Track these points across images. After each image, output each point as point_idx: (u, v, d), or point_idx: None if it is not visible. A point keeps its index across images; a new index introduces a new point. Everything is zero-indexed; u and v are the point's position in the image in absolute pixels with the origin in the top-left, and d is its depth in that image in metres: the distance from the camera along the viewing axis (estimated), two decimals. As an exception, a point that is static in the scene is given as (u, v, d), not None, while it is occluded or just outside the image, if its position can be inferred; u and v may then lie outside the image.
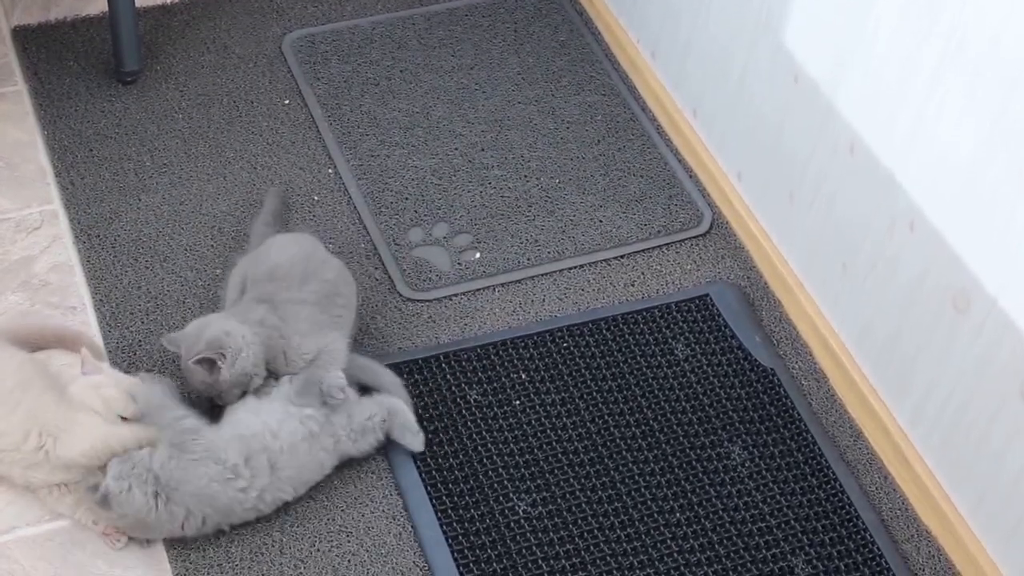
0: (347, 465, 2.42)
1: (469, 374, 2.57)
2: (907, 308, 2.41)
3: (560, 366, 2.60)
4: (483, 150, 2.97)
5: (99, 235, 2.75)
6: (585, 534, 2.37)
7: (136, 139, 2.94)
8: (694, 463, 2.47)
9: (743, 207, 2.84)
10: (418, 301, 2.69)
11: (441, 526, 2.35)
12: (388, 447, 2.44)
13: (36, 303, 2.64)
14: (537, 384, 2.57)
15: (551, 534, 2.36)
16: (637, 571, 2.33)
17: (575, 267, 2.78)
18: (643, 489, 2.43)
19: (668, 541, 2.37)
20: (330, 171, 2.91)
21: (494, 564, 2.32)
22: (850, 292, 2.57)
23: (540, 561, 2.33)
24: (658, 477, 2.45)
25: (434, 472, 2.42)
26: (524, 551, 2.34)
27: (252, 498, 2.28)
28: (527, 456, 2.46)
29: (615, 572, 2.32)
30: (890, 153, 2.39)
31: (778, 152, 2.71)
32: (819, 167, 2.59)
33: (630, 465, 2.46)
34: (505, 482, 2.42)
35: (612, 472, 2.45)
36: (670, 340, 2.65)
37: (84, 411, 2.28)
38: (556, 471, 2.44)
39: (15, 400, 2.28)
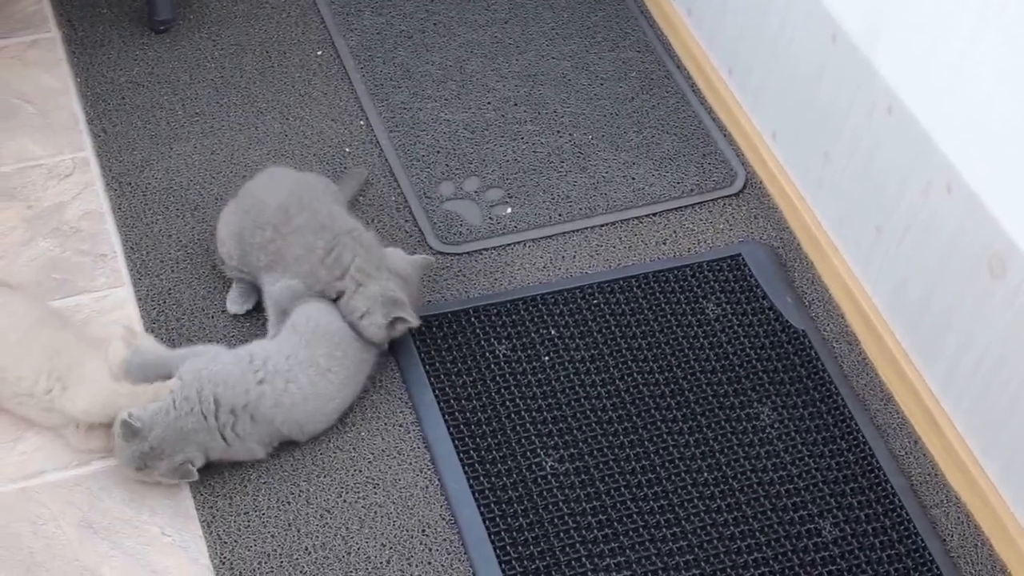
0: (375, 418, 2.42)
1: (498, 329, 2.56)
2: (941, 271, 2.39)
3: (590, 323, 2.59)
4: (516, 105, 2.96)
5: (130, 183, 2.75)
6: (612, 492, 2.36)
7: (168, 88, 2.93)
8: (723, 423, 2.46)
9: (777, 167, 2.82)
10: (448, 255, 2.68)
11: (468, 480, 2.35)
12: (417, 402, 2.44)
13: (67, 250, 2.64)
14: (566, 340, 2.56)
15: (578, 491, 2.36)
16: (664, 529, 2.32)
17: (607, 224, 2.76)
18: (671, 448, 2.42)
19: (695, 500, 2.36)
20: (361, 123, 2.90)
21: (520, 519, 2.32)
22: (884, 254, 2.55)
23: (566, 517, 2.32)
24: (686, 436, 2.44)
25: (462, 426, 2.42)
26: (550, 507, 2.33)
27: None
28: (555, 412, 2.45)
29: (641, 530, 2.32)
30: (928, 113, 2.36)
31: (813, 112, 2.69)
32: (855, 127, 2.56)
33: (658, 424, 2.45)
34: (532, 438, 2.42)
35: (640, 430, 2.44)
36: (701, 299, 2.64)
37: (97, 358, 2.29)
38: (584, 428, 2.44)
39: (29, 342, 2.29)
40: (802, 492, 2.38)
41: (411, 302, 2.43)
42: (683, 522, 2.33)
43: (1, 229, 2.66)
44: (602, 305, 2.62)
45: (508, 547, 2.28)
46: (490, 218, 2.75)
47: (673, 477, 2.39)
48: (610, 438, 2.42)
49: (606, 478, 2.38)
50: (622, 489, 2.36)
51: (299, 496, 2.32)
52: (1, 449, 2.35)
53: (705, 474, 2.39)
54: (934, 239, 2.40)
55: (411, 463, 2.38)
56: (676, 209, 2.80)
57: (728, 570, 2.28)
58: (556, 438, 2.42)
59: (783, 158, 2.82)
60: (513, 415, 2.44)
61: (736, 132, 2.93)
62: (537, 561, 2.27)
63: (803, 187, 2.77)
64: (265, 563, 2.24)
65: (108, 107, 2.88)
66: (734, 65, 2.93)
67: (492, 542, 2.28)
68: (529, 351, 2.54)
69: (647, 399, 2.48)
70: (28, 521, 2.28)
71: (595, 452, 2.41)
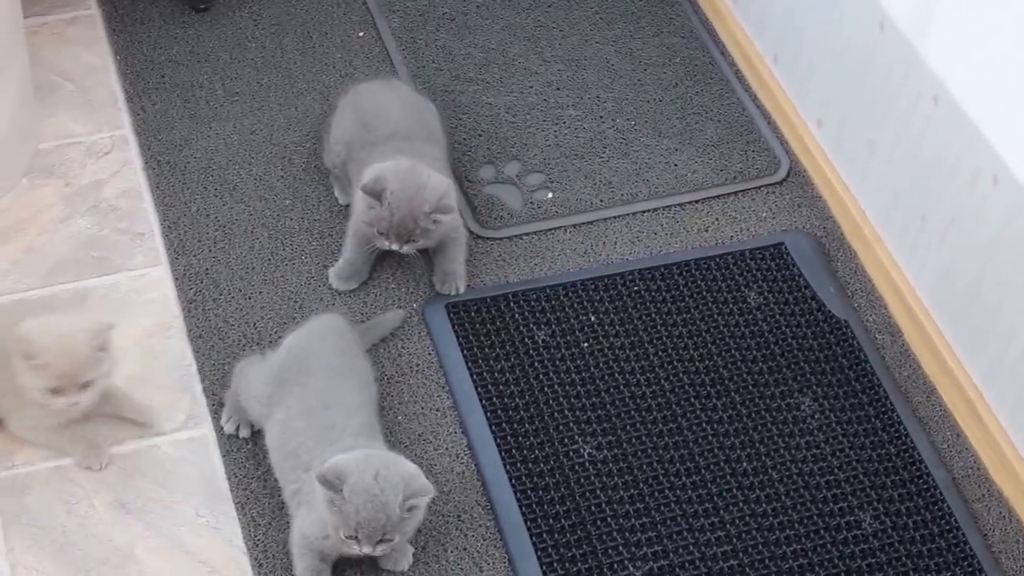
0: (412, 402, 2.41)
1: (537, 314, 2.54)
2: (987, 264, 2.36)
3: (630, 310, 2.56)
4: (558, 89, 2.93)
5: (169, 162, 2.74)
6: (650, 480, 2.34)
7: (208, 67, 2.92)
8: (763, 413, 2.43)
9: (821, 155, 2.79)
10: (488, 239, 2.66)
11: (505, 466, 2.33)
12: (454, 387, 2.42)
13: (104, 228, 2.63)
14: (606, 327, 2.53)
15: (615, 479, 2.33)
16: (702, 519, 2.30)
17: (648, 210, 2.74)
18: (710, 437, 2.40)
19: (734, 490, 2.33)
20: (402, 105, 2.88)
21: (556, 506, 2.30)
22: (928, 245, 2.52)
23: (603, 505, 2.30)
24: (726, 426, 2.41)
25: (499, 412, 2.40)
26: (587, 494, 2.31)
27: None
28: (593, 399, 2.43)
29: (679, 519, 2.29)
30: (976, 104, 2.33)
31: (859, 100, 2.65)
32: (901, 116, 2.53)
33: (698, 412, 2.43)
34: (570, 424, 2.39)
35: (679, 419, 2.42)
36: (743, 288, 2.61)
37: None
38: (622, 415, 2.41)
39: None
40: (842, 484, 2.35)
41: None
42: (721, 512, 2.31)
43: (39, 206, 2.66)
44: (643, 292, 2.59)
45: (544, 534, 2.26)
46: (531, 203, 2.72)
47: (712, 467, 2.36)
48: (648, 426, 2.40)
49: (644, 466, 2.35)
50: (660, 478, 2.34)
51: (334, 479, 2.31)
52: (36, 427, 2.35)
53: (744, 464, 2.37)
54: (980, 230, 2.36)
55: (448, 448, 2.36)
56: (719, 197, 2.77)
57: (766, 561, 2.26)
58: (594, 425, 2.39)
59: (828, 147, 2.79)
60: (551, 401, 2.42)
61: (781, 120, 2.90)
62: (573, 549, 2.25)
63: (847, 176, 2.74)
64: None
65: (147, 85, 2.87)
66: (780, 52, 2.90)
67: (528, 528, 2.27)
68: (568, 337, 2.51)
69: (687, 387, 2.46)
70: (61, 500, 2.27)
71: (633, 440, 2.38)
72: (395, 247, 2.46)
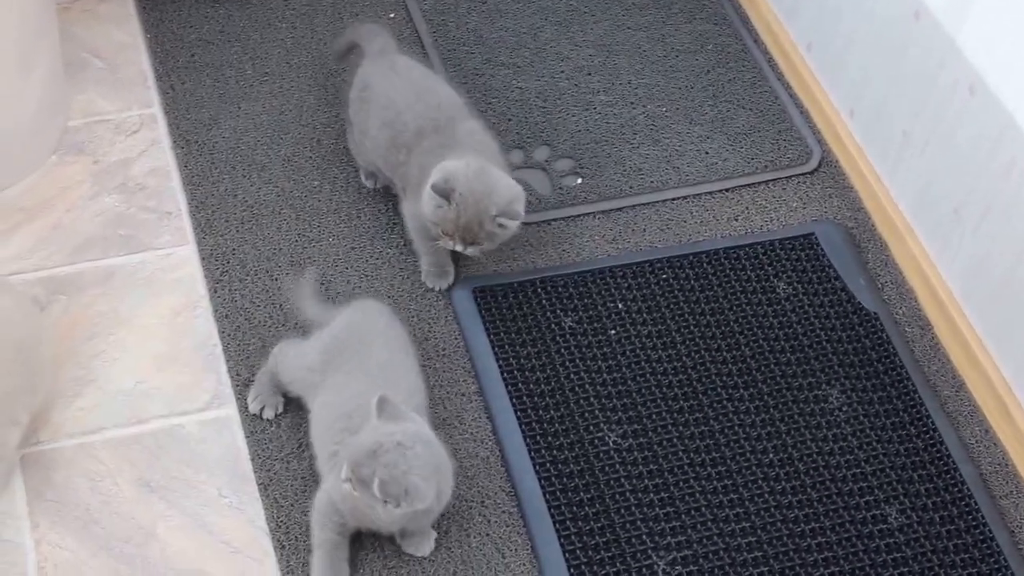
0: (437, 386, 2.40)
1: (565, 301, 2.53)
2: (1020, 257, 2.34)
3: (658, 298, 2.55)
4: (589, 74, 2.91)
5: (197, 141, 2.73)
6: (675, 469, 2.32)
7: (238, 46, 2.91)
8: (790, 404, 2.42)
9: (854, 146, 2.77)
10: (516, 224, 2.65)
11: (529, 452, 2.32)
12: (480, 372, 2.41)
13: (132, 206, 2.63)
14: (634, 315, 2.52)
15: (640, 467, 2.32)
16: (727, 509, 2.28)
17: (678, 198, 2.72)
18: (736, 427, 2.38)
19: (759, 482, 2.32)
20: (433, 88, 2.87)
21: (580, 493, 2.28)
22: (961, 238, 2.49)
23: (628, 494, 2.29)
24: (752, 416, 2.40)
25: (525, 398, 2.39)
26: (612, 482, 2.30)
27: None
28: (620, 387, 2.42)
29: (703, 510, 2.28)
30: (1012, 95, 2.31)
31: (893, 90, 2.63)
32: (936, 107, 2.51)
33: (724, 402, 2.41)
34: (596, 412, 2.38)
35: (706, 408, 2.40)
36: (772, 278, 2.59)
37: None
38: (649, 404, 2.40)
39: None
40: (869, 477, 2.34)
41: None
42: (746, 503, 2.29)
43: (68, 183, 2.65)
44: (671, 280, 2.57)
45: (568, 521, 2.25)
46: (560, 188, 2.71)
47: (738, 457, 2.35)
48: (675, 415, 2.39)
49: (669, 456, 2.34)
50: (685, 467, 2.33)
51: (358, 462, 2.30)
52: (60, 404, 2.35)
53: (770, 455, 2.35)
54: (1013, 223, 2.34)
55: (473, 433, 2.35)
56: (749, 185, 2.75)
57: (791, 553, 2.24)
58: (620, 413, 2.38)
59: (860, 137, 2.77)
60: (577, 388, 2.41)
61: (813, 109, 2.87)
62: (596, 537, 2.24)
63: (880, 167, 2.71)
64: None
65: (177, 64, 2.86)
66: (813, 40, 2.88)
67: (552, 515, 2.25)
68: (595, 324, 2.50)
69: (714, 377, 2.44)
70: (85, 477, 2.27)
71: (659, 429, 2.37)
72: (459, 248, 2.43)
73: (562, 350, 2.46)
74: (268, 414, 2.34)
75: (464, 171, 2.40)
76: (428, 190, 2.40)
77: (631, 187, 2.72)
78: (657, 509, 2.28)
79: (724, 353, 2.48)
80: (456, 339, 2.47)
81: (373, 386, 2.17)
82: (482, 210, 2.39)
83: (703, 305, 2.54)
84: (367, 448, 2.04)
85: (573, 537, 2.24)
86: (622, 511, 2.27)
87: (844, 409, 2.42)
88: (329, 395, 2.23)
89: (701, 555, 2.23)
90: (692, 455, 2.34)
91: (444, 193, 2.38)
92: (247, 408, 2.35)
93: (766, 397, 2.42)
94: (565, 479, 2.30)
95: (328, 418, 2.21)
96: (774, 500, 2.30)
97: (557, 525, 2.25)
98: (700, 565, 2.22)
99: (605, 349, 2.47)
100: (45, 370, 2.29)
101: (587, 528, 2.25)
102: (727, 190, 2.74)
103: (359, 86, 2.63)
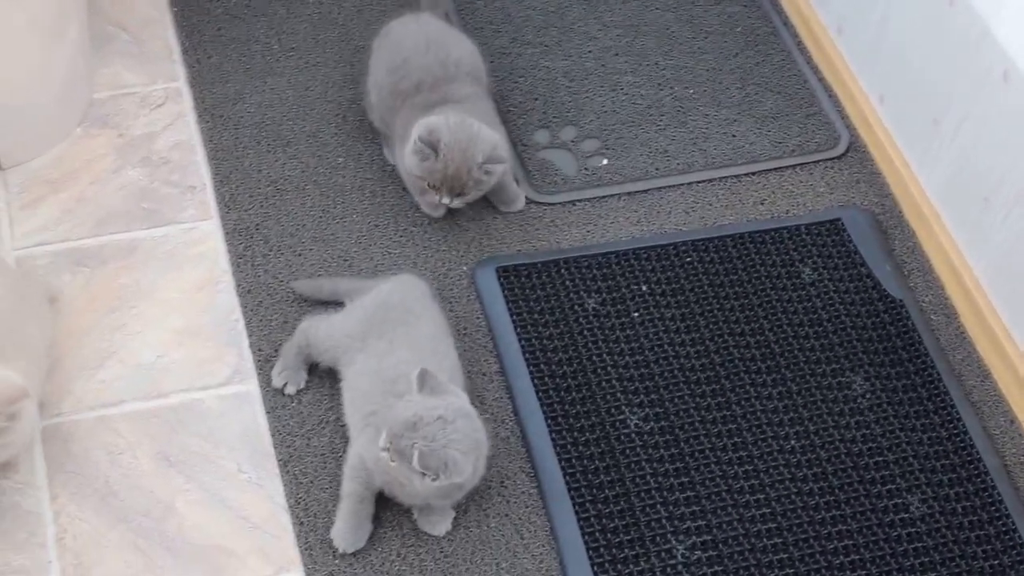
0: (458, 365, 2.39)
1: (588, 282, 2.51)
2: (1050, 247, 2.32)
3: (682, 280, 2.53)
4: (617, 55, 2.89)
5: (222, 115, 2.72)
6: (696, 454, 2.31)
7: (265, 21, 2.90)
8: (813, 390, 2.40)
9: (883, 131, 2.74)
10: (541, 204, 2.64)
11: (550, 433, 2.31)
12: (502, 352, 2.40)
13: (156, 180, 2.62)
14: (657, 297, 2.50)
15: (661, 451, 2.31)
16: (747, 495, 2.27)
17: (704, 181, 2.70)
18: (758, 412, 2.37)
19: (780, 467, 2.30)
20: (459, 66, 2.85)
21: (600, 475, 2.27)
22: (989, 227, 2.47)
23: (648, 477, 2.28)
24: (775, 401, 2.38)
25: (546, 378, 2.38)
26: (632, 465, 2.29)
27: None
28: (642, 370, 2.40)
29: (724, 495, 2.27)
30: (1046, 83, 2.29)
31: (925, 76, 2.61)
32: (968, 94, 2.48)
33: (747, 387, 2.40)
34: (618, 394, 2.37)
35: (728, 392, 2.39)
36: (797, 263, 2.58)
37: None
38: (671, 387, 2.38)
39: None
40: (891, 466, 2.32)
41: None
42: (767, 489, 2.28)
43: (92, 156, 2.65)
44: (695, 263, 2.56)
45: (587, 503, 2.24)
46: (585, 169, 2.69)
47: (759, 442, 2.33)
48: (697, 399, 2.37)
49: (691, 439, 2.33)
50: (706, 452, 2.31)
51: (378, 440, 2.29)
52: (81, 376, 2.34)
53: (792, 441, 2.34)
54: (1044, 213, 2.33)
55: (493, 413, 2.34)
56: (776, 169, 2.73)
57: (811, 540, 2.23)
58: (642, 396, 2.37)
59: (889, 123, 2.74)
60: (599, 370, 2.40)
61: (842, 93, 2.85)
62: (616, 520, 2.23)
63: (909, 153, 2.69)
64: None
65: (203, 38, 2.85)
66: (843, 24, 2.85)
67: (571, 497, 2.25)
68: (619, 306, 2.49)
69: (736, 361, 2.43)
70: (105, 450, 2.27)
71: (681, 412, 2.36)
72: (446, 200, 2.48)
73: (584, 331, 2.44)
74: (290, 390, 2.33)
75: (445, 123, 2.45)
76: (413, 143, 2.45)
77: (657, 169, 2.70)
78: (677, 493, 2.26)
79: (748, 338, 2.46)
80: (478, 318, 2.46)
81: (419, 357, 2.18)
82: (469, 158, 2.44)
83: (727, 289, 2.53)
84: (407, 420, 2.05)
85: (592, 519, 2.23)
86: (642, 494, 2.26)
87: (867, 396, 2.40)
88: (371, 361, 2.23)
89: (720, 540, 2.22)
90: (713, 439, 2.33)
91: (431, 144, 2.43)
92: (268, 384, 2.35)
93: (789, 383, 2.41)
94: (585, 461, 2.29)
95: (367, 383, 2.22)
96: (795, 487, 2.28)
97: (576, 507, 2.24)
98: (719, 550, 2.21)
99: (628, 331, 2.45)
100: (39, 354, 2.27)
101: (606, 511, 2.24)
102: (753, 174, 2.72)
103: (382, 33, 2.68)
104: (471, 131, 2.45)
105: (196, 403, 2.33)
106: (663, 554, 2.20)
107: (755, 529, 2.24)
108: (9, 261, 2.47)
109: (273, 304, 2.45)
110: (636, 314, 2.48)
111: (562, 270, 2.52)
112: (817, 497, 2.27)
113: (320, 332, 2.32)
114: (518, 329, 2.44)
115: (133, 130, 2.70)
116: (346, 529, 2.17)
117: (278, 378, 2.34)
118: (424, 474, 2.03)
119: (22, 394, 2.09)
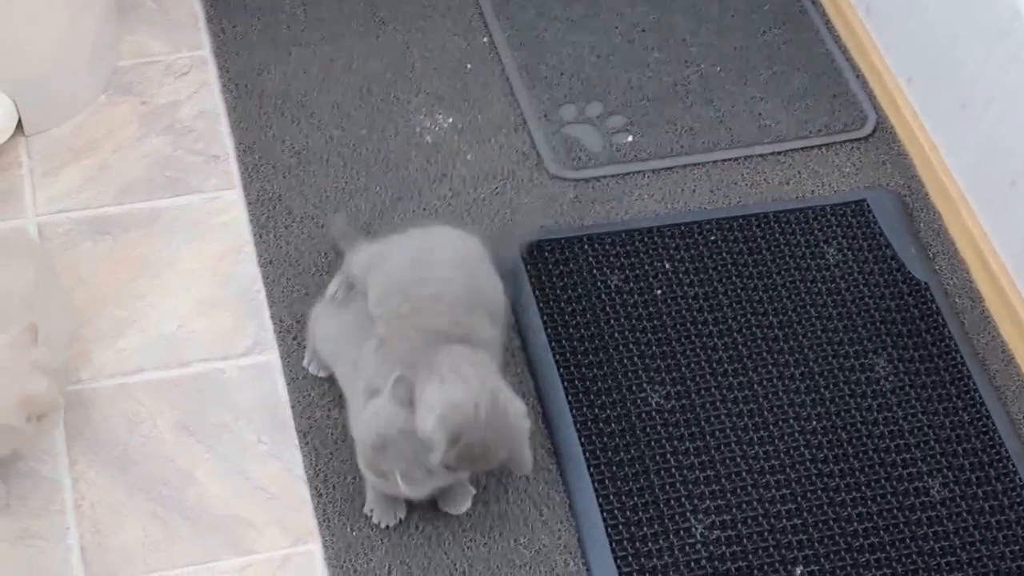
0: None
1: (612, 259, 2.50)
2: (1077, 231, 2.30)
3: (706, 259, 2.52)
4: (644, 31, 2.88)
5: (247, 85, 2.71)
6: (716, 433, 2.30)
7: (291, -9, 2.89)
8: (835, 372, 2.39)
9: (910, 113, 2.73)
10: (565, 179, 2.62)
11: (571, 409, 2.30)
12: (524, 328, 2.39)
13: (179, 149, 2.61)
14: (680, 276, 2.49)
15: (682, 429, 2.30)
16: (768, 476, 2.26)
17: (729, 159, 2.69)
18: (780, 392, 2.36)
19: (801, 448, 2.30)
20: (485, 40, 2.84)
21: (621, 453, 2.27)
22: (1016, 210, 2.46)
23: (668, 455, 2.27)
24: (797, 382, 2.37)
25: (568, 355, 2.37)
26: (653, 443, 2.28)
27: None
28: (664, 348, 2.39)
29: (744, 475, 2.26)
30: (1077, 66, 2.27)
31: (953, 57, 2.59)
32: (996, 75, 2.47)
33: (769, 367, 2.39)
34: (640, 372, 2.36)
35: (750, 372, 2.38)
36: (822, 244, 2.56)
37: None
38: (693, 366, 2.38)
39: None
40: (912, 449, 2.31)
41: None
42: (787, 470, 2.27)
43: (116, 124, 2.64)
44: (719, 242, 2.55)
45: (607, 480, 2.24)
46: (610, 145, 2.68)
47: (780, 423, 2.32)
48: (719, 378, 2.36)
49: (712, 419, 2.32)
50: (727, 431, 2.31)
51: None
52: (101, 345, 2.34)
53: (814, 423, 2.33)
54: (1072, 197, 2.31)
55: (515, 388, 2.31)
56: (802, 149, 2.72)
57: (830, 522, 2.22)
58: (664, 374, 2.36)
59: (917, 104, 2.73)
60: (621, 347, 2.39)
61: (870, 74, 2.83)
62: (635, 497, 2.22)
63: (936, 135, 2.67)
64: (360, 478, 2.20)
65: (229, 7, 2.84)
66: (872, 3, 2.83)
67: (591, 474, 2.24)
68: (642, 283, 2.48)
69: (759, 341, 2.42)
70: (124, 418, 2.26)
71: (702, 391, 2.35)
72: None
73: (607, 308, 2.44)
74: (319, 372, 2.32)
75: (474, 412, 1.99)
76: (424, 427, 1.99)
77: (682, 147, 2.69)
78: (697, 472, 2.26)
79: (771, 318, 2.45)
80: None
81: None
82: (491, 457, 2.04)
83: (751, 268, 2.52)
84: (374, 443, 2.04)
85: (612, 497, 2.22)
86: (662, 472, 2.25)
87: (890, 379, 2.39)
88: None
89: (740, 520, 2.21)
90: (735, 419, 2.32)
91: (454, 439, 1.98)
92: (289, 355, 2.34)
93: (811, 364, 2.40)
94: (606, 438, 2.28)
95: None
96: (815, 468, 2.28)
97: (596, 484, 2.23)
98: (738, 530, 2.21)
99: (651, 309, 2.44)
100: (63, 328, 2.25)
101: (626, 488, 2.23)
102: (779, 153, 2.71)
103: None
104: (504, 423, 2.03)
105: (217, 373, 2.33)
106: (682, 532, 2.20)
107: (775, 510, 2.23)
108: (31, 228, 2.47)
109: (295, 275, 2.44)
110: (659, 292, 2.47)
111: (585, 247, 2.52)
112: (837, 479, 2.27)
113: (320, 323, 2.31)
114: (541, 305, 2.43)
115: (157, 98, 2.69)
116: (383, 503, 2.17)
117: (310, 364, 2.32)
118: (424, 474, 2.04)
119: (56, 407, 2.07)
